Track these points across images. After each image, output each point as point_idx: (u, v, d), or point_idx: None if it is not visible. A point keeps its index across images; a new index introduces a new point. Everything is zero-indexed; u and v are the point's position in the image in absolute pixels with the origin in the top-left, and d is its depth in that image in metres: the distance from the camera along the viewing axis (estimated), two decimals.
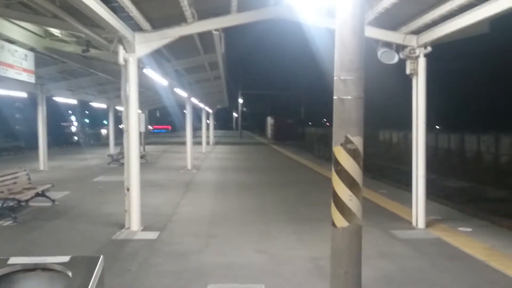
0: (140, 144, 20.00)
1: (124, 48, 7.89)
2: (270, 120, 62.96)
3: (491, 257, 6.62)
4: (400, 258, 6.63)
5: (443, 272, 6.09)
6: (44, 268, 2.77)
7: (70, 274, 2.67)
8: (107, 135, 30.99)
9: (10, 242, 7.44)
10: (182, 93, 18.82)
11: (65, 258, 2.83)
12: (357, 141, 4.07)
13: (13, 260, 2.81)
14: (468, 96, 42.01)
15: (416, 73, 8.31)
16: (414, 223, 8.48)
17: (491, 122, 34.31)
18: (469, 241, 7.44)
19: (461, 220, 8.95)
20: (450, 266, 6.30)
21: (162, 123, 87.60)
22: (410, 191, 8.83)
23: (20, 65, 9.93)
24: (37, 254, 4.72)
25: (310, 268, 6.18)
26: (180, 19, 8.28)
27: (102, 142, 38.89)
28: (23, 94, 18.62)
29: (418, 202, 8.36)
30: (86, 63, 13.43)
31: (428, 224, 8.40)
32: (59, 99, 22.62)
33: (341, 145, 4.08)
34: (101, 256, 2.92)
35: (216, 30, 8.86)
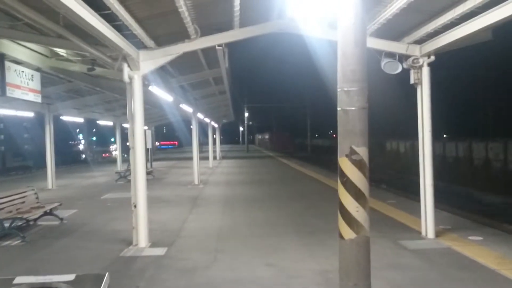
0: (147, 160, 20.11)
1: (129, 66, 7.96)
2: None
3: (503, 265, 6.52)
4: (410, 269, 6.55)
5: (454, 282, 6.01)
6: (50, 287, 2.77)
7: None
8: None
9: (18, 262, 7.44)
10: (187, 108, 18.91)
11: (71, 277, 2.82)
12: (362, 152, 4.05)
13: (19, 279, 2.81)
14: (474, 104, 41.88)
15: (421, 82, 8.30)
16: (423, 233, 8.39)
17: (499, 129, 34.13)
18: (480, 250, 7.35)
19: (471, 229, 8.85)
20: (461, 276, 6.21)
21: (169, 139, 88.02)
22: (418, 200, 8.75)
23: (26, 85, 10.04)
24: (46, 273, 4.72)
25: (319, 281, 6.12)
26: (183, 35, 8.35)
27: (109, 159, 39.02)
28: (31, 114, 18.81)
29: (427, 212, 8.28)
30: (92, 81, 13.54)
31: (438, 234, 8.31)
32: (66, 118, 22.80)
33: (346, 156, 4.06)
34: (107, 273, 2.90)
35: (219, 45, 8.92)
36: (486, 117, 41.17)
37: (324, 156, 41.06)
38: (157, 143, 61.13)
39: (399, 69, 8.42)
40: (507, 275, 6.13)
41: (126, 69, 7.88)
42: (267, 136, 79.86)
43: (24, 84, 9.93)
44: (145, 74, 8.36)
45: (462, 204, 15.22)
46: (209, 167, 27.70)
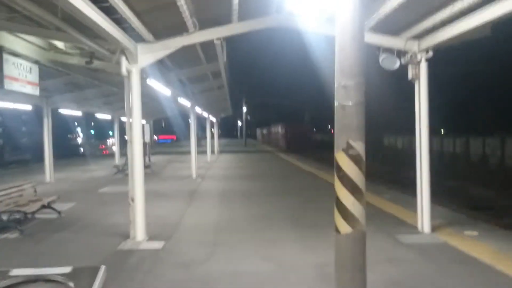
0: (145, 154, 20.10)
1: (127, 59, 7.93)
2: None
3: (498, 260, 6.57)
4: (406, 263, 6.59)
5: (449, 277, 6.05)
6: (46, 279, 2.78)
7: (72, 285, 2.67)
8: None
9: (16, 255, 7.44)
10: (186, 102, 18.89)
11: (67, 269, 2.84)
12: (359, 147, 4.06)
13: (15, 271, 2.82)
14: (472, 99, 41.93)
15: (418, 78, 8.30)
16: (419, 227, 8.43)
17: (496, 125, 34.20)
18: (475, 245, 7.39)
19: (467, 224, 8.89)
20: (456, 271, 6.25)
21: (167, 133, 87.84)
22: (415, 195, 8.78)
23: (24, 78, 10.00)
24: (43, 266, 4.73)
25: (316, 275, 6.16)
26: (182, 29, 8.33)
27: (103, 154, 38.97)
28: (29, 107, 18.77)
29: (423, 206, 8.32)
30: (90, 74, 13.50)
31: (434, 229, 8.35)
32: (64, 111, 22.75)
33: (343, 150, 4.07)
34: (103, 266, 2.92)
35: (217, 39, 8.90)
36: (483, 113, 41.23)
37: (322, 151, 40.94)
38: (155, 137, 60.90)
39: (397, 65, 8.42)
40: (502, 270, 6.17)
41: (124, 63, 7.85)
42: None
43: (22, 76, 9.90)
44: (143, 67, 8.34)
45: (458, 200, 15.26)
46: (207, 161, 27.71)
